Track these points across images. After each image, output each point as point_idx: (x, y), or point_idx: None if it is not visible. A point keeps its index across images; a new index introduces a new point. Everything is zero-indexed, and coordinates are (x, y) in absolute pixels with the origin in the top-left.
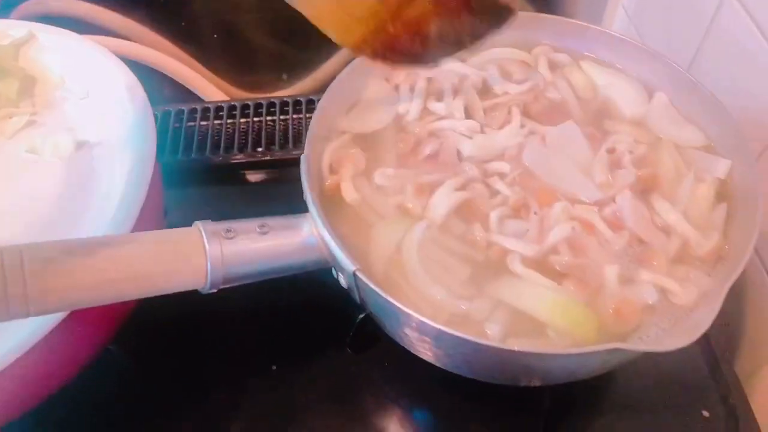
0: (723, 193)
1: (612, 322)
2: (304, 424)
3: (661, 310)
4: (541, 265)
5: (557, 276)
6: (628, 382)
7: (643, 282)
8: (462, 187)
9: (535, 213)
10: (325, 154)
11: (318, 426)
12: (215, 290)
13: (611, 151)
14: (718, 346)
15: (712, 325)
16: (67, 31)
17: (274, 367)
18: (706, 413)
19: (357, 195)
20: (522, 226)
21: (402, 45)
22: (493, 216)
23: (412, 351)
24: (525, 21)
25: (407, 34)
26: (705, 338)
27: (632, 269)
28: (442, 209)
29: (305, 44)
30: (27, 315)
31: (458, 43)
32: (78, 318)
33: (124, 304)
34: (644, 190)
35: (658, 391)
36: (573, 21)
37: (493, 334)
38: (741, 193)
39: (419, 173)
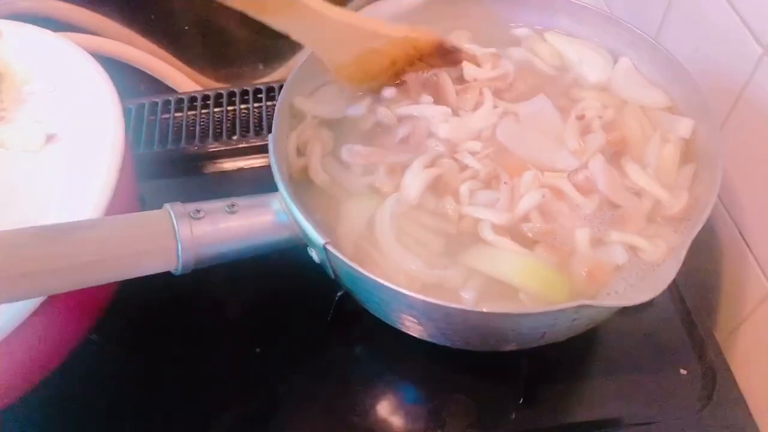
0: (688, 152)
1: (584, 284)
2: (291, 404)
3: (630, 267)
4: (512, 233)
5: (529, 243)
6: (606, 345)
7: (613, 243)
8: (431, 164)
9: (506, 183)
10: (291, 136)
11: (304, 405)
12: (188, 272)
13: (580, 117)
14: (693, 305)
15: (687, 284)
16: (33, 27)
17: (257, 350)
18: (683, 371)
19: (326, 176)
20: (493, 197)
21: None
22: (464, 188)
23: (387, 323)
24: None
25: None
26: (680, 297)
27: (603, 231)
28: (415, 189)
29: (279, 33)
30: (1, 301)
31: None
32: (55, 305)
33: (103, 289)
34: (615, 153)
35: (635, 352)
36: None
37: (467, 300)
38: (704, 151)
39: (389, 153)
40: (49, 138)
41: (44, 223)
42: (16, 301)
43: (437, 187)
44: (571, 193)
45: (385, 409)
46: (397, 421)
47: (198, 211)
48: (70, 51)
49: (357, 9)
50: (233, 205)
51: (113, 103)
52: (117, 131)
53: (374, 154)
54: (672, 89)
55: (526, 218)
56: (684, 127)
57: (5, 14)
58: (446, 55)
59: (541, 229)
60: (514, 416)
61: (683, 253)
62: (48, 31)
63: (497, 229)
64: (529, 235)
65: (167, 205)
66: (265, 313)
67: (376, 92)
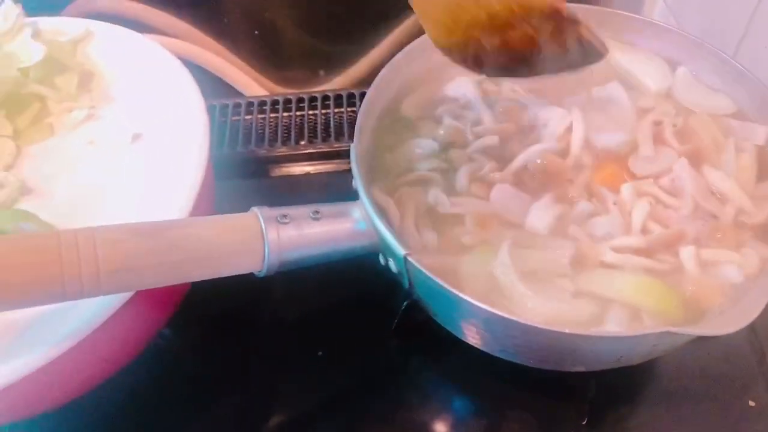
0: (763, 160)
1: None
2: (348, 409)
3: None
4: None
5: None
6: (674, 372)
7: (718, 261)
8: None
9: (614, 204)
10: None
11: (360, 412)
12: (271, 274)
13: (657, 122)
14: (764, 336)
15: (759, 316)
16: (121, 28)
17: (320, 353)
18: (752, 403)
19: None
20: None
21: (491, 58)
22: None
23: (459, 336)
24: None
25: (501, 49)
26: (751, 327)
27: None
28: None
29: (342, 41)
30: (99, 294)
31: (540, 70)
32: (141, 299)
33: (181, 287)
34: (692, 163)
35: (703, 381)
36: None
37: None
38: None
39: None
40: (136, 137)
41: (128, 220)
42: (110, 294)
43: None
44: (665, 198)
45: (443, 421)
46: None
47: (284, 216)
48: (157, 52)
49: None
50: (317, 212)
51: (198, 105)
52: (202, 132)
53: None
54: (737, 96)
55: (645, 230)
56: (761, 134)
57: (85, 12)
58: (560, 25)
59: (664, 235)
60: None
61: None
62: (136, 33)
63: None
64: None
65: (255, 209)
66: (328, 317)
67: (465, 57)
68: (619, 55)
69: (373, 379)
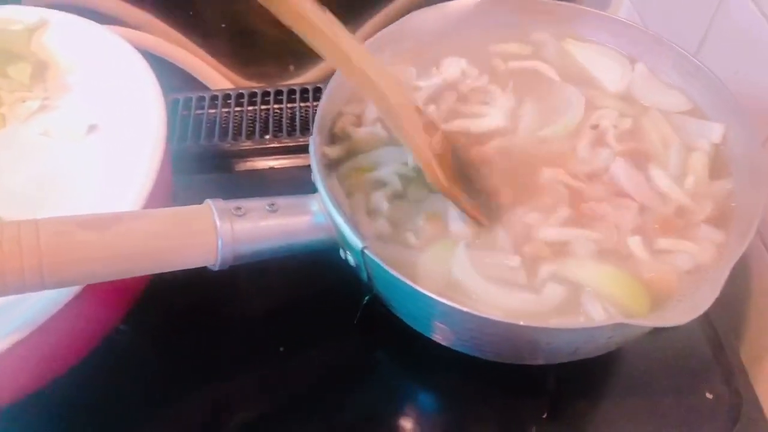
0: (719, 158)
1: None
2: (310, 404)
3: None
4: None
5: None
6: (632, 365)
7: (667, 250)
8: None
9: None
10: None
11: (322, 406)
12: (224, 268)
13: (594, 126)
14: (721, 329)
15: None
16: (78, 17)
17: (281, 349)
18: (709, 395)
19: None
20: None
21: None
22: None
23: (417, 330)
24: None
25: None
26: (708, 321)
27: (651, 236)
28: None
29: None
30: (42, 288)
31: None
32: (92, 294)
33: (136, 281)
34: (637, 162)
35: (661, 374)
36: (556, 2)
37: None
38: (741, 162)
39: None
40: (91, 128)
41: (83, 212)
42: (57, 287)
43: None
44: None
45: (405, 415)
46: (416, 427)
47: (239, 209)
48: (115, 43)
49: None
50: (273, 204)
51: (156, 97)
52: (159, 125)
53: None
54: (696, 93)
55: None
56: (715, 132)
57: (46, 2)
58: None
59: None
60: (535, 430)
61: (722, 280)
62: (93, 23)
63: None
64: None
65: (209, 201)
66: (290, 312)
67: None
68: (579, 53)
69: (334, 374)
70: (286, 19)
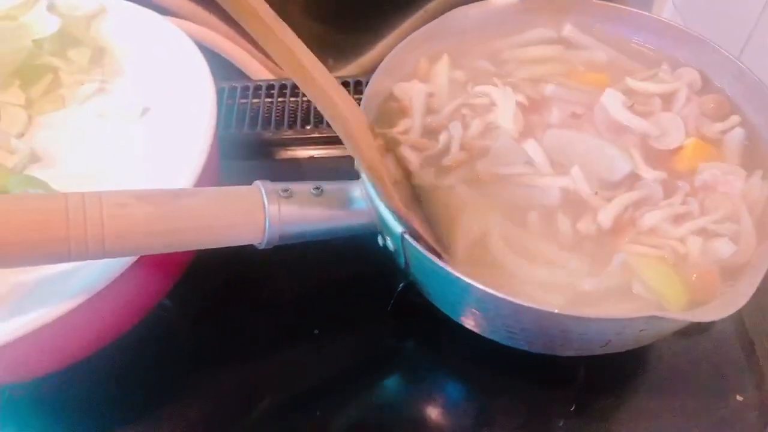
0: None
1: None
2: (341, 387)
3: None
4: None
5: None
6: (662, 364)
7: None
8: None
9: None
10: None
11: (354, 389)
12: (270, 247)
13: None
14: (753, 331)
15: (747, 309)
16: (134, 5)
17: (316, 331)
18: (739, 398)
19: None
20: None
21: None
22: None
23: (451, 316)
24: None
25: None
26: (740, 321)
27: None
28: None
29: (352, 29)
30: (103, 256)
31: None
32: (144, 266)
33: (184, 256)
34: None
35: (691, 373)
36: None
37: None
38: None
39: None
40: (145, 110)
41: None
42: (117, 257)
43: None
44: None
45: (434, 402)
46: (445, 415)
47: (286, 190)
48: (169, 30)
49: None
50: (318, 188)
51: (208, 83)
52: (210, 108)
53: None
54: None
55: None
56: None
57: None
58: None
59: None
60: (562, 423)
61: (760, 275)
62: (148, 10)
63: None
64: None
65: (258, 182)
66: (325, 296)
67: None
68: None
69: (367, 359)
70: (241, 19)
